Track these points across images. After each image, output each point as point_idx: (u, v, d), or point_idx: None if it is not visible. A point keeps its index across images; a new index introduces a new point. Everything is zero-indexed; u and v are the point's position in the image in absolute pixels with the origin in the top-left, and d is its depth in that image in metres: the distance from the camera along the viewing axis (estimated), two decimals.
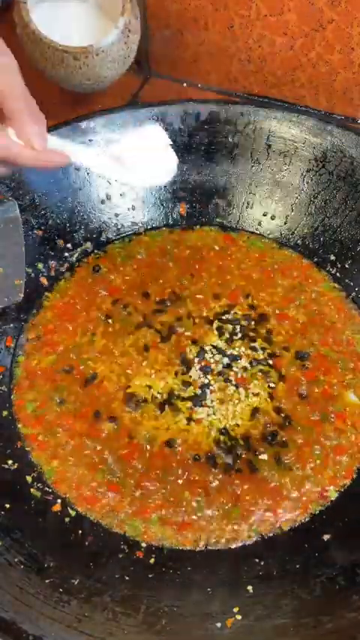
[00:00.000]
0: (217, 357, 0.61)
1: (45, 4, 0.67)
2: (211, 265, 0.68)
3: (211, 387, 0.59)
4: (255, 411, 0.58)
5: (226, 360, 0.61)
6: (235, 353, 0.61)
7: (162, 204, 0.72)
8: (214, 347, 0.62)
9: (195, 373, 0.60)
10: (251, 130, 0.69)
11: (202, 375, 0.60)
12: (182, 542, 0.51)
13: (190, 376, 0.60)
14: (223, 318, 0.64)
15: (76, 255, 0.69)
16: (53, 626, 0.43)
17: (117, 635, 0.44)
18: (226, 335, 0.62)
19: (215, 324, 0.63)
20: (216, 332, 0.63)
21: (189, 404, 0.58)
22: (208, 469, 0.54)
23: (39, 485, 0.54)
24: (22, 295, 0.60)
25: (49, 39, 0.63)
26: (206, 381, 0.59)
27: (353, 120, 0.76)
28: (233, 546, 0.51)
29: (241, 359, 0.61)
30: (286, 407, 0.58)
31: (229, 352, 0.61)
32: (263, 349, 0.62)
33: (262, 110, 0.69)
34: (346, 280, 0.67)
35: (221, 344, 0.62)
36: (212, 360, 0.61)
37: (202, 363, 0.60)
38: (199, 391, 0.59)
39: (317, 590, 0.47)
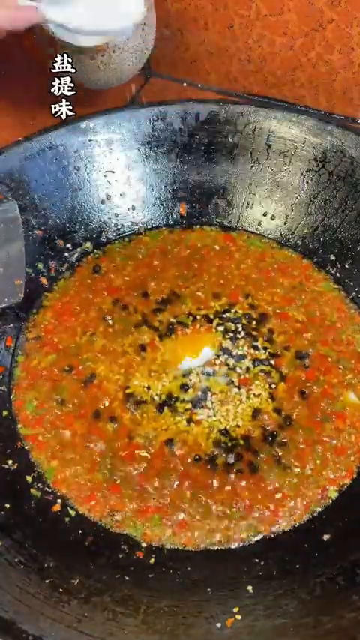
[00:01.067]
0: (223, 357, 0.61)
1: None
2: (211, 265, 0.68)
3: (212, 390, 0.59)
4: (256, 411, 0.58)
5: (232, 361, 0.60)
6: (241, 353, 0.61)
7: (162, 204, 0.72)
8: (222, 348, 0.61)
9: (195, 376, 0.60)
10: (251, 130, 0.69)
11: (203, 378, 0.60)
12: (182, 542, 0.51)
13: (190, 379, 0.60)
14: (224, 316, 0.64)
15: (76, 255, 0.69)
16: (53, 626, 0.43)
17: (117, 635, 0.44)
18: (230, 334, 0.62)
19: (215, 322, 0.63)
20: (220, 332, 0.62)
21: (188, 405, 0.58)
22: (208, 469, 0.54)
23: (39, 485, 0.54)
24: (22, 295, 0.60)
25: (63, 41, 0.62)
26: (208, 384, 0.59)
27: (353, 120, 0.76)
28: (233, 546, 0.51)
29: (245, 359, 0.61)
30: (286, 407, 0.58)
31: (234, 352, 0.61)
32: (265, 349, 0.62)
33: (262, 110, 0.69)
34: (346, 280, 0.67)
35: (227, 344, 0.62)
36: (217, 362, 0.60)
37: (205, 366, 0.60)
38: (199, 394, 0.59)
39: (317, 590, 0.47)
